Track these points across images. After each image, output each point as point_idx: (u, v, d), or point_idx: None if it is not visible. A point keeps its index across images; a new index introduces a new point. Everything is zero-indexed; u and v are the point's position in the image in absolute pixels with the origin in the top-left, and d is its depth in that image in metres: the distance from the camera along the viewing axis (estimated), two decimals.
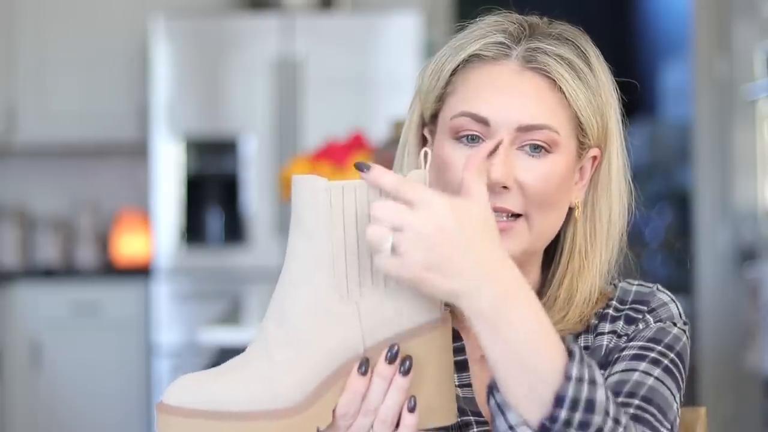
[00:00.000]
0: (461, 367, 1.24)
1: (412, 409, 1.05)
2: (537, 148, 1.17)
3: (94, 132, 5.01)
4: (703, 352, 4.94)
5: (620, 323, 1.24)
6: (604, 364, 1.22)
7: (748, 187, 4.89)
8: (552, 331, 1.03)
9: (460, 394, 1.23)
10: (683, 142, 6.29)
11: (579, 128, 1.20)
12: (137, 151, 5.04)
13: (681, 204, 6.44)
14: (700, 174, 5.09)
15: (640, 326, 1.23)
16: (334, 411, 1.04)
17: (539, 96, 1.18)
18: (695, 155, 5.13)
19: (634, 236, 1.27)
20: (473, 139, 1.18)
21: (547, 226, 1.20)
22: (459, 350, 1.24)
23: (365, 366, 1.04)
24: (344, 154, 3.27)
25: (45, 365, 4.77)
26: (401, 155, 1.27)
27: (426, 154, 1.07)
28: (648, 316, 1.24)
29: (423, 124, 1.27)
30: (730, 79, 4.94)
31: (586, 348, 1.24)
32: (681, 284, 5.69)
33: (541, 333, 1.02)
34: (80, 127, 5.00)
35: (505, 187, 1.16)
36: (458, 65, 1.21)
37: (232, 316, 3.62)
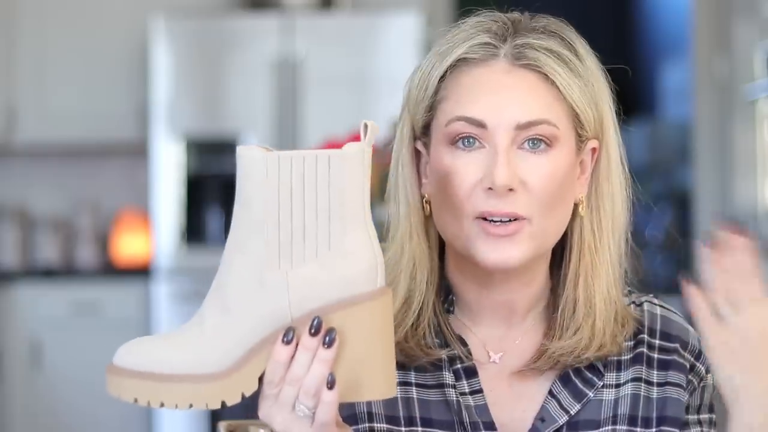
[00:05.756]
0: (470, 373, 1.21)
1: (331, 386, 1.04)
2: (537, 143, 1.15)
3: (94, 132, 5.01)
4: None
5: (654, 371, 1.24)
6: (645, 417, 1.22)
7: (748, 187, 4.89)
8: None
9: (472, 403, 1.20)
10: (683, 142, 6.28)
11: (576, 120, 1.18)
12: (137, 151, 5.03)
13: (681, 204, 6.44)
14: (700, 174, 5.09)
15: (695, 383, 1.26)
16: (260, 379, 1.05)
17: (533, 92, 1.15)
18: (695, 155, 5.14)
19: (634, 236, 1.26)
20: (470, 143, 1.16)
21: (553, 226, 1.17)
22: (466, 355, 1.21)
23: (290, 335, 1.04)
24: None
25: (45, 365, 4.77)
26: (395, 170, 1.23)
27: (366, 126, 1.05)
28: (699, 366, 1.26)
29: (414, 138, 1.22)
30: (730, 79, 4.94)
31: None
32: (681, 284, 5.67)
33: None
34: (80, 127, 5.00)
35: (510, 190, 1.13)
36: (445, 71, 1.18)
37: None
